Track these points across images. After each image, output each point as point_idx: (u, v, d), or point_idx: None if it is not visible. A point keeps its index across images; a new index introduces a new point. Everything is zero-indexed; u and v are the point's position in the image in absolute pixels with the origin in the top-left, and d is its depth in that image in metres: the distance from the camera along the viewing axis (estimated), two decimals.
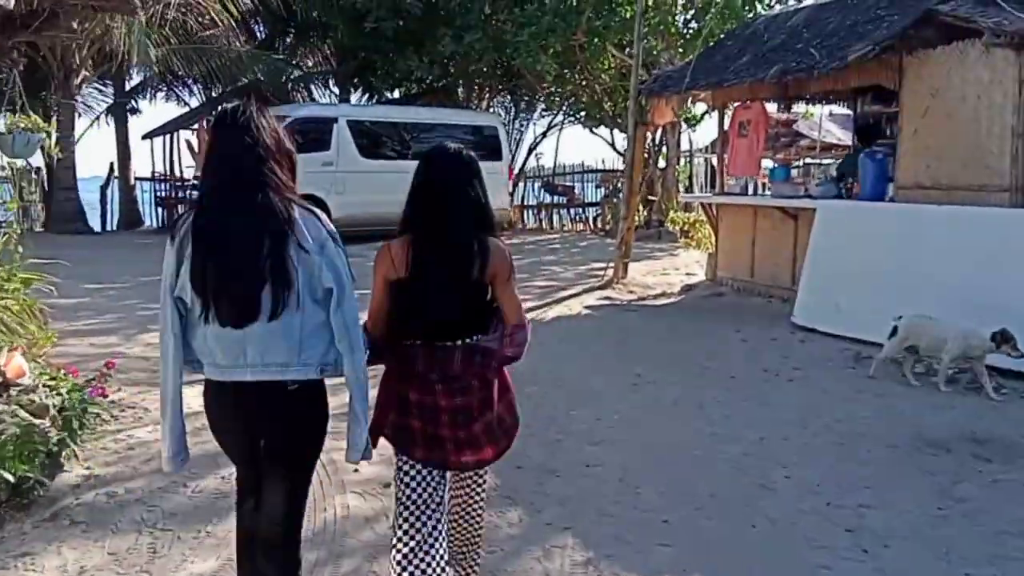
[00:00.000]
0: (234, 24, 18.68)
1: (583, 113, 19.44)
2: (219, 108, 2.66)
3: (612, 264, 10.64)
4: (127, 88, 19.88)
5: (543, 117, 23.11)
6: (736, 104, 10.19)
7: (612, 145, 19.30)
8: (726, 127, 10.59)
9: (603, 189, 21.30)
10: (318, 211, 2.38)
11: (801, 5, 10.45)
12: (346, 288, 2.36)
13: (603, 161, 21.76)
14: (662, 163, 18.63)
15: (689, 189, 17.29)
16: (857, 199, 8.12)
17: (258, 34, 20.86)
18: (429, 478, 2.58)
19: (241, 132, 2.34)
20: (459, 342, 2.57)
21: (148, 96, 21.48)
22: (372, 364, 2.55)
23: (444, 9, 16.55)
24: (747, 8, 15.11)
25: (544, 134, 23.31)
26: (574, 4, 15.85)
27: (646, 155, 18.77)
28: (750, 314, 8.54)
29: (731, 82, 9.05)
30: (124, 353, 6.40)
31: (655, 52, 16.23)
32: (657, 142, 18.21)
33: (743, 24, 11.49)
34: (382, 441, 2.63)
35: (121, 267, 11.28)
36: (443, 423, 2.56)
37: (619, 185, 20.34)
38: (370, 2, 16.34)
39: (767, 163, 10.46)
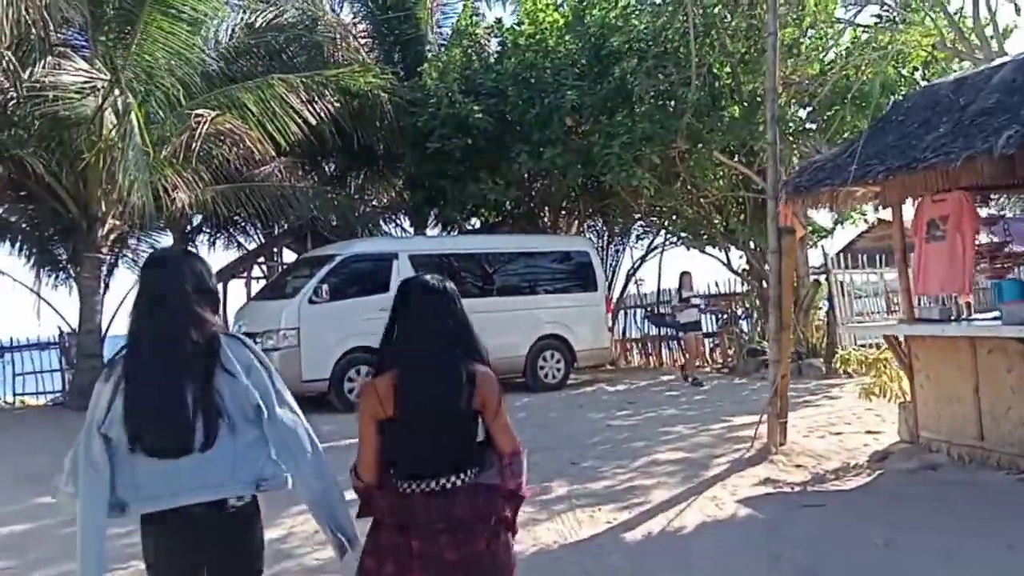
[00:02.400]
0: (297, 163, 17.36)
1: (685, 233, 16.91)
2: (151, 253, 3.02)
3: (763, 421, 7.82)
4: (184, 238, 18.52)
5: (641, 240, 20.79)
6: (923, 198, 7.51)
7: (728, 265, 16.62)
8: (906, 229, 7.90)
9: (710, 315, 18.61)
10: (244, 338, 2.66)
11: (1002, 61, 7.85)
12: (274, 402, 2.56)
13: (715, 284, 19.10)
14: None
15: (831, 314, 14.33)
16: None
17: (327, 171, 19.48)
18: None
19: (167, 274, 2.60)
20: (458, 481, 2.51)
21: (208, 243, 20.22)
22: (363, 516, 2.59)
23: (519, 123, 14.54)
24: (886, 95, 12.65)
25: (643, 258, 20.93)
26: (671, 107, 13.65)
27: (769, 275, 16.17)
28: (1010, 506, 5.59)
29: (930, 162, 6.40)
30: None
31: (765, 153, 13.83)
32: None
33: (917, 93, 8.90)
34: None
35: None
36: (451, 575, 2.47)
37: (739, 311, 17.87)
38: (433, 120, 14.48)
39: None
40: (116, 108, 11.25)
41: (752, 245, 16.08)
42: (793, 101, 14.12)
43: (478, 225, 19.59)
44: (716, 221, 15.79)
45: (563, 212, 18.26)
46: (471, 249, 13.79)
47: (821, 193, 7.94)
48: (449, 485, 2.51)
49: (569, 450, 8.28)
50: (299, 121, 13.72)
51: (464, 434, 2.57)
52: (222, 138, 13.01)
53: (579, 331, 13.66)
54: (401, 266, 12.54)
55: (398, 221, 20.61)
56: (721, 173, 15.04)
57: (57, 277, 17.19)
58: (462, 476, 2.53)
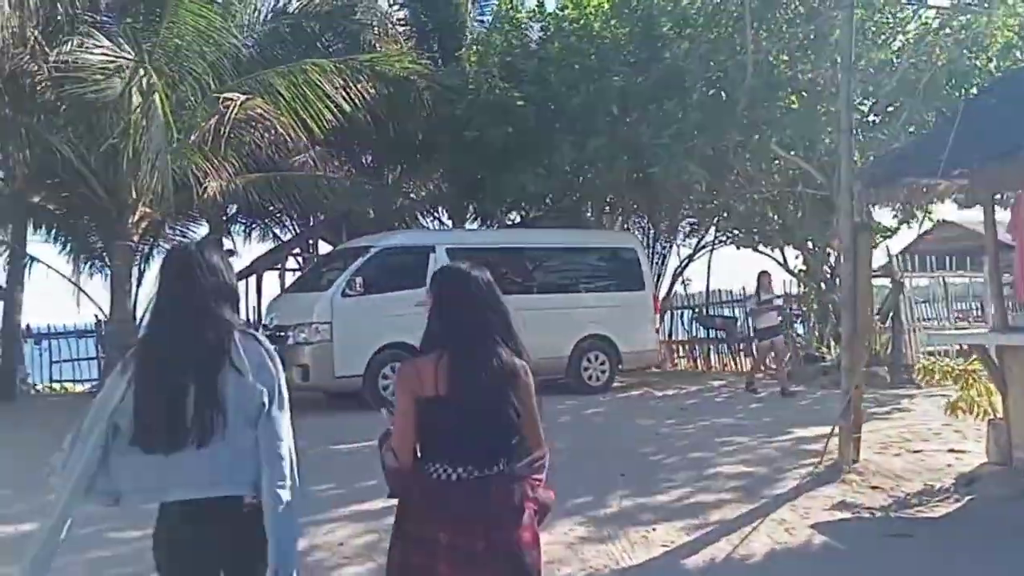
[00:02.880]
0: (332, 153, 16.87)
1: (737, 231, 16.13)
2: (168, 249, 2.97)
3: (834, 434, 7.12)
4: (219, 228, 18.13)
5: (689, 238, 20.03)
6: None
7: (784, 265, 15.84)
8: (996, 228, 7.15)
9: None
10: (258, 334, 2.61)
11: None
12: (277, 401, 2.49)
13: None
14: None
15: (895, 320, 13.49)
16: None
17: (364, 162, 19.00)
18: None
19: (182, 272, 2.57)
20: (492, 470, 2.49)
21: (243, 234, 19.87)
22: (392, 497, 2.56)
23: (562, 112, 13.89)
24: (960, 87, 11.85)
25: (690, 257, 20.16)
26: (724, 96, 12.91)
27: (828, 276, 15.41)
28: None
29: None
30: None
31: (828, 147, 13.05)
32: (840, 261, 14.68)
33: (1010, 77, 8.14)
34: None
35: None
36: (478, 564, 2.41)
37: (795, 313, 17.06)
38: (471, 108, 13.89)
39: None
40: (141, 88, 10.81)
41: (810, 244, 15.33)
42: (856, 91, 13.29)
43: (517, 220, 19.07)
44: (774, 219, 15.03)
45: (607, 207, 17.58)
46: (512, 244, 13.17)
47: (900, 187, 7.27)
48: (482, 473, 2.48)
49: (619, 460, 7.66)
50: (333, 108, 13.25)
51: (502, 423, 2.52)
52: (253, 124, 12.57)
53: (625, 332, 12.98)
54: (438, 259, 11.94)
55: (436, 214, 20.11)
56: (777, 167, 14.28)
57: (92, 265, 17.08)
58: (497, 466, 2.50)
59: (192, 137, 11.94)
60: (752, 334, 14.60)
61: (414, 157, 17.78)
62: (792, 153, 12.99)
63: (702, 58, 12.66)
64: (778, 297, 14.81)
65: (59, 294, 35.03)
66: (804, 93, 12.95)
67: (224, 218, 17.96)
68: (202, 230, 18.20)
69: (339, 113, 13.36)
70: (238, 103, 11.30)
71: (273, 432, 2.47)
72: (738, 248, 17.18)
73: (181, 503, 2.45)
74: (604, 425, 9.82)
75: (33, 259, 15.16)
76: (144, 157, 11.55)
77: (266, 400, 2.47)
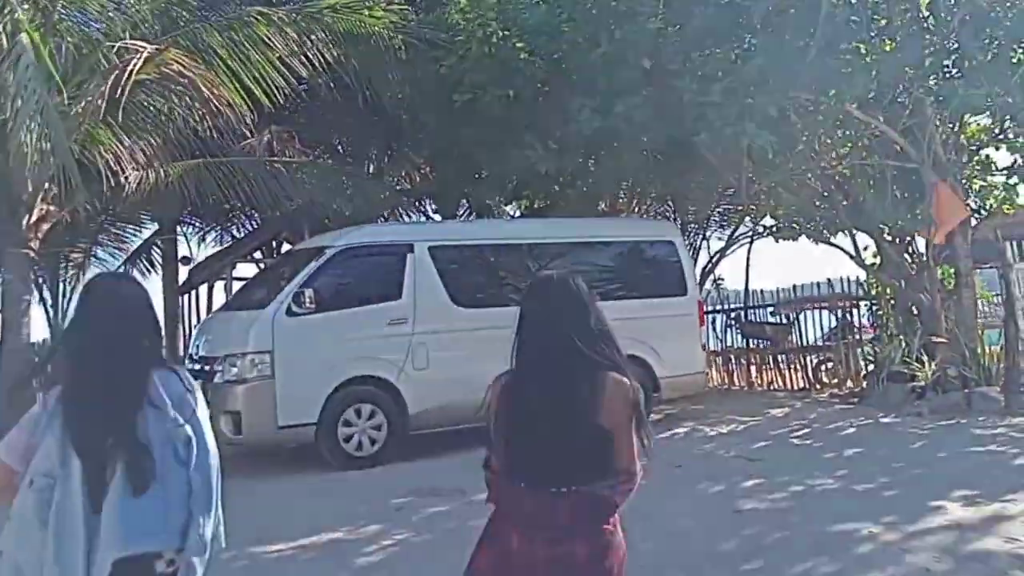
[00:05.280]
0: (291, 133, 14.06)
1: (794, 220, 13.21)
2: (89, 278, 3.01)
3: None
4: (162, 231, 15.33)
5: (724, 228, 17.24)
6: None
7: (856, 256, 12.96)
8: None
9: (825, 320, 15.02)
10: (182, 372, 2.59)
11: None
12: (202, 445, 2.48)
13: (818, 285, 15.39)
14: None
15: (1010, 322, 10.66)
16: None
17: (341, 149, 16.24)
18: None
19: (105, 304, 2.55)
20: (571, 488, 2.48)
21: (197, 238, 17.09)
22: (489, 501, 2.64)
23: (578, 69, 11.05)
24: None
25: (723, 251, 17.36)
26: (788, 42, 10.06)
27: (913, 271, 12.60)
28: None
29: None
30: None
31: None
32: (928, 252, 11.88)
33: None
34: None
35: None
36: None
37: (862, 314, 14.32)
38: (461, 65, 11.09)
39: None
40: (5, 28, 8.04)
41: (885, 231, 12.54)
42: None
43: (518, 214, 16.32)
44: (842, 202, 12.20)
45: (622, 193, 14.72)
46: (515, 239, 10.36)
47: None
48: (556, 489, 2.47)
49: (686, 571, 4.89)
50: (287, 73, 10.57)
51: (580, 446, 2.50)
52: (177, 91, 9.75)
53: (663, 350, 10.15)
54: (419, 261, 9.25)
55: (424, 207, 17.31)
56: (848, 135, 11.49)
57: None
58: (571, 487, 2.47)
59: (83, 104, 9.05)
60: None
61: (396, 136, 15.01)
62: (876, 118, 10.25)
63: None
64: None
65: None
66: (896, 39, 10.11)
67: (179, 219, 15.26)
68: (141, 234, 15.54)
69: (296, 80, 10.73)
70: (142, 57, 8.48)
71: (204, 478, 2.43)
72: (777, 241, 14.36)
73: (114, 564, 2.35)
74: (647, 495, 7.02)
75: None
76: (24, 131, 8.75)
77: (193, 441, 2.43)
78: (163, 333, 2.79)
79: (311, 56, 10.98)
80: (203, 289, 14.86)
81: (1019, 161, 11.61)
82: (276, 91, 10.51)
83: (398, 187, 16.63)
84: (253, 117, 10.37)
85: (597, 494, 2.48)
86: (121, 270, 14.04)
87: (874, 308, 13.97)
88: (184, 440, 2.43)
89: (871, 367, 12.45)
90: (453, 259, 9.67)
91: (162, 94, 9.86)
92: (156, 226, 15.06)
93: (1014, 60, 10.14)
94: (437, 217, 15.91)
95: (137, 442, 2.38)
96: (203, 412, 2.53)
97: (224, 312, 9.80)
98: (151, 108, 9.82)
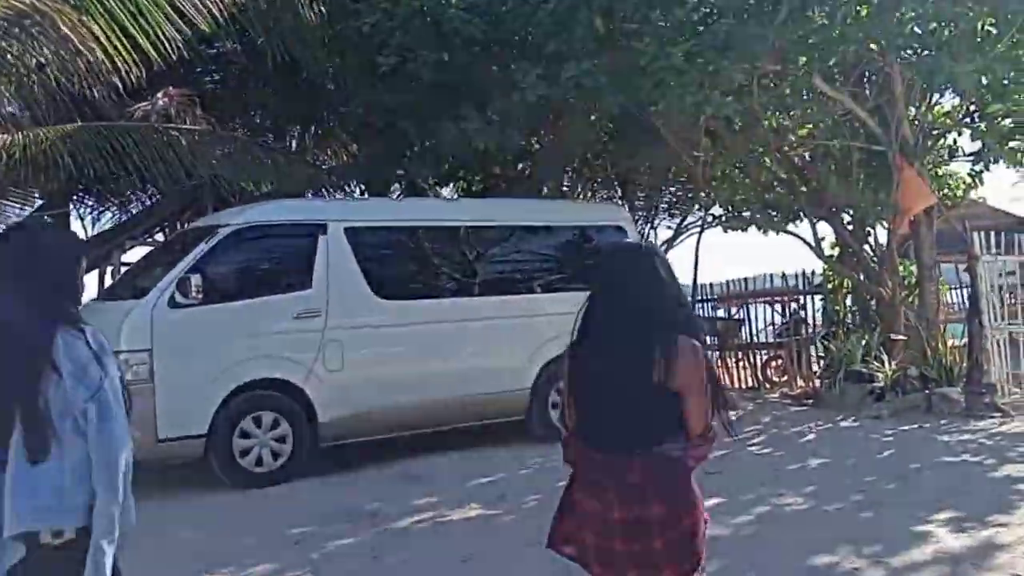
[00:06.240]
0: (196, 100, 12.54)
1: (755, 203, 12.22)
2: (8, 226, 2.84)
3: None
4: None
5: (673, 216, 16.33)
6: None
7: (816, 246, 12.01)
8: None
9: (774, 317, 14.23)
10: (88, 328, 2.40)
11: None
12: (108, 415, 2.32)
13: (771, 278, 14.58)
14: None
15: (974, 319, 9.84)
16: None
17: (261, 120, 14.75)
18: None
19: (10, 255, 2.43)
20: (643, 450, 2.48)
21: (92, 217, 15.41)
22: (565, 463, 2.65)
23: (523, 29, 9.85)
24: None
25: (670, 241, 16.51)
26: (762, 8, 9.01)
27: (874, 262, 11.78)
28: None
29: None
30: None
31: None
32: (891, 242, 11.07)
33: None
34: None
35: None
36: (617, 537, 2.46)
37: (817, 309, 13.52)
38: (387, 23, 9.78)
39: None
40: None
41: (845, 219, 11.70)
42: None
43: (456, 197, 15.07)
44: (803, 186, 11.28)
45: (567, 175, 13.62)
46: (448, 221, 9.12)
47: None
48: (623, 454, 2.48)
49: None
50: (179, 24, 9.09)
51: (646, 412, 2.50)
52: (31, 30, 8.23)
53: None
54: (332, 243, 7.96)
55: (354, 189, 15.91)
56: (814, 111, 10.56)
57: None
58: (643, 448, 2.48)
59: None
60: None
61: (321, 109, 13.62)
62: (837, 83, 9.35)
63: None
64: None
65: None
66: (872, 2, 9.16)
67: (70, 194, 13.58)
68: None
69: (190, 33, 9.26)
70: None
71: (112, 450, 2.30)
72: (726, 231, 13.47)
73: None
74: None
75: None
76: None
77: (94, 413, 2.29)
78: (80, 291, 2.53)
79: (210, 3, 9.55)
80: (94, 275, 13.23)
81: (986, 148, 10.84)
82: (168, 44, 9.06)
83: (323, 165, 15.24)
84: (139, 73, 8.92)
85: (668, 455, 2.47)
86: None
87: (826, 302, 13.19)
88: (83, 412, 2.29)
89: (826, 366, 11.64)
90: (375, 243, 8.45)
91: (18, 37, 8.31)
92: (42, 202, 13.44)
93: (995, 32, 9.33)
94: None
95: (36, 408, 2.26)
96: (113, 379, 2.36)
97: (96, 303, 8.30)
98: (8, 55, 8.27)
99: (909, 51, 9.51)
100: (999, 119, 10.10)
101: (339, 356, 7.72)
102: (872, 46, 9.26)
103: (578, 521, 2.54)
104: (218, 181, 11.53)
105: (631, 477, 2.45)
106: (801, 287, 13.75)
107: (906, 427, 8.83)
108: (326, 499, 6.78)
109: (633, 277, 2.57)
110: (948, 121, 11.27)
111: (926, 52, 9.36)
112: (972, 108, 10.95)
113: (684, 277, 15.68)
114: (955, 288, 14.80)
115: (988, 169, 11.16)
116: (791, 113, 10.41)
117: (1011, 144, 10.29)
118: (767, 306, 14.48)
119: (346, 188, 15.65)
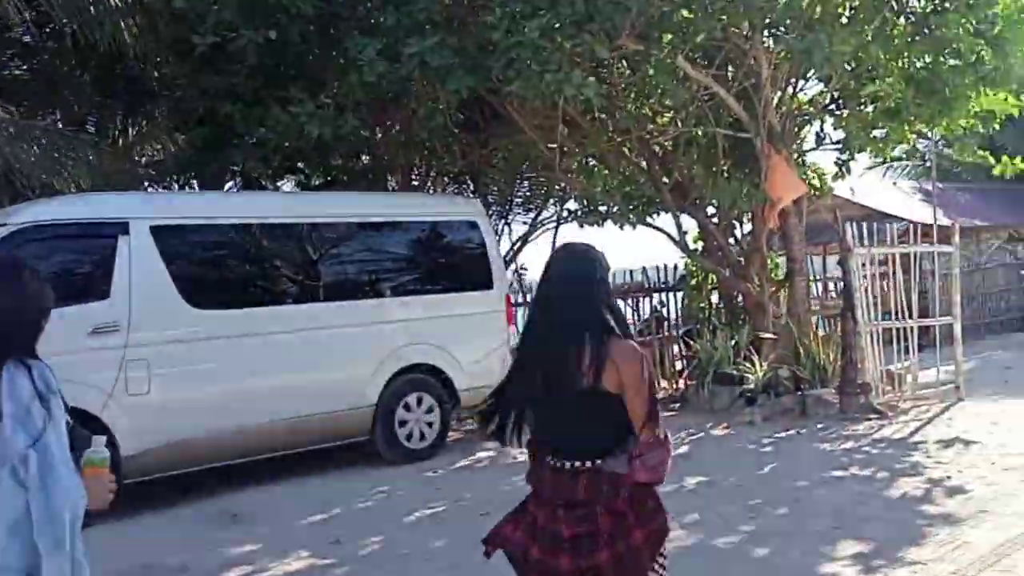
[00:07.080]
0: None
1: (596, 201, 11.65)
2: None
3: None
4: None
5: (528, 211, 15.67)
6: None
7: (681, 240, 11.55)
8: None
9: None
10: (36, 364, 2.19)
11: None
12: (52, 464, 2.09)
13: (630, 273, 14.16)
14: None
15: (848, 315, 9.60)
16: None
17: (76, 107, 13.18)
18: None
19: None
20: (585, 464, 2.46)
21: None
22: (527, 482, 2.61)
23: (362, 3, 8.92)
24: None
25: (525, 237, 15.83)
26: None
27: (739, 257, 11.48)
28: None
29: None
30: None
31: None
32: (757, 235, 10.76)
33: None
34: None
35: None
36: (564, 551, 2.43)
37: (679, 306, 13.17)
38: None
39: None
40: None
41: (711, 211, 11.35)
42: None
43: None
44: (661, 175, 10.82)
45: (415, 168, 12.77)
46: (280, 217, 8.10)
47: None
48: (570, 466, 2.46)
49: None
50: None
51: (585, 416, 2.49)
52: None
53: (464, 357, 8.51)
54: (136, 246, 6.83)
55: (180, 184, 14.49)
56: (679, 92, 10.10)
57: None
58: (586, 462, 2.46)
59: None
60: None
61: (143, 99, 12.23)
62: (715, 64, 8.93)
63: None
64: None
65: None
66: None
67: None
68: None
69: None
70: None
71: (56, 506, 2.08)
72: (582, 226, 12.92)
73: None
74: (452, 560, 5.08)
75: None
76: None
77: (34, 461, 2.07)
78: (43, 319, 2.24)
79: None
80: None
81: (850, 136, 10.67)
82: None
83: (145, 160, 13.82)
84: None
85: (614, 472, 2.43)
86: None
87: (684, 299, 12.84)
88: (21, 459, 2.06)
89: (694, 367, 11.21)
90: (189, 244, 7.43)
91: None
92: None
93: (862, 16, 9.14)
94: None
95: None
96: (58, 423, 2.14)
97: None
98: None
99: (782, 29, 9.16)
100: (863, 104, 9.92)
101: (144, 377, 6.63)
102: (740, 24, 8.85)
103: (526, 532, 2.50)
104: (14, 176, 10.09)
105: (577, 494, 2.44)
106: (661, 282, 13.41)
107: (782, 434, 8.49)
108: (124, 550, 5.65)
109: (567, 279, 2.55)
110: (812, 109, 11.09)
111: (796, 33, 9.07)
112: (836, 96, 10.78)
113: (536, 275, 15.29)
114: (818, 280, 14.80)
115: (854, 158, 11.04)
116: (652, 100, 9.91)
117: (874, 133, 10.15)
118: (623, 303, 14.07)
119: (175, 184, 14.35)
